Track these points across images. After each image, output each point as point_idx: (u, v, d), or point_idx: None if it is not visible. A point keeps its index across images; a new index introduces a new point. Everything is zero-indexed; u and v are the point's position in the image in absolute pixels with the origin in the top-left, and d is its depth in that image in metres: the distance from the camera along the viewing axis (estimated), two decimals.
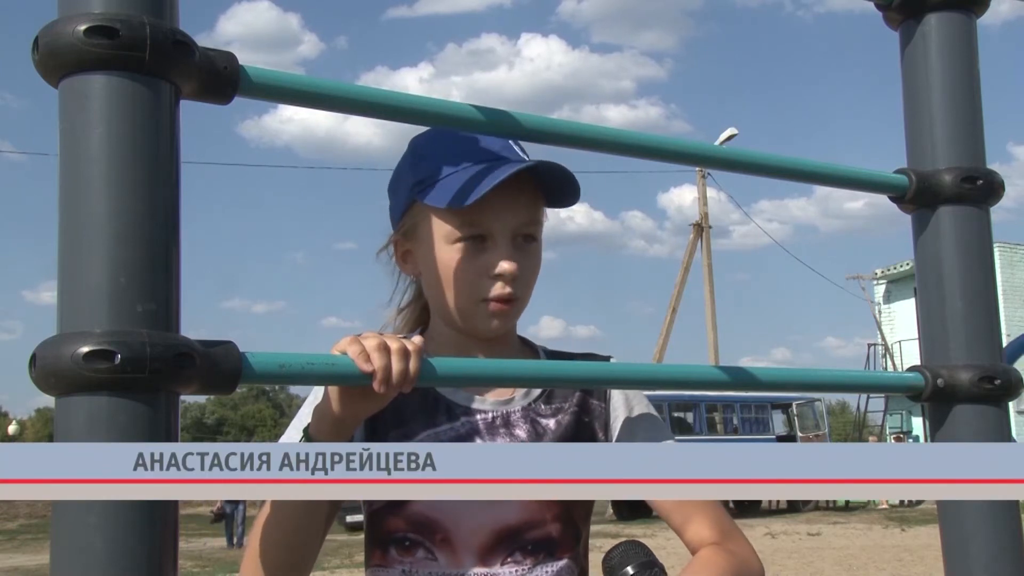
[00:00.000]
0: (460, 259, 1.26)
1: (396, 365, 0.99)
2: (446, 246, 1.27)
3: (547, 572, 1.26)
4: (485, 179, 1.21)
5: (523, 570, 1.25)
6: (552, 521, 1.27)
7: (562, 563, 1.28)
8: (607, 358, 1.37)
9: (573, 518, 1.30)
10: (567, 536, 1.29)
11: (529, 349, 1.39)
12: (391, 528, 1.25)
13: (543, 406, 1.32)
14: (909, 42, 1.22)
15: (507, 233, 1.26)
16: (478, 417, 1.29)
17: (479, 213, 1.24)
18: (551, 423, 1.31)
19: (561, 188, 1.26)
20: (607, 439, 1.34)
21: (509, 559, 1.25)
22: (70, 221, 0.73)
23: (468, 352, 1.31)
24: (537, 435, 1.30)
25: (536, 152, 1.29)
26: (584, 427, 1.33)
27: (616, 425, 1.34)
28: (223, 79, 0.80)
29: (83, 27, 0.72)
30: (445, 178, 1.25)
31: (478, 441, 1.27)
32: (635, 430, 1.34)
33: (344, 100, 0.91)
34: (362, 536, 1.34)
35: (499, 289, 1.25)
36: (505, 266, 1.25)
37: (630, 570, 1.11)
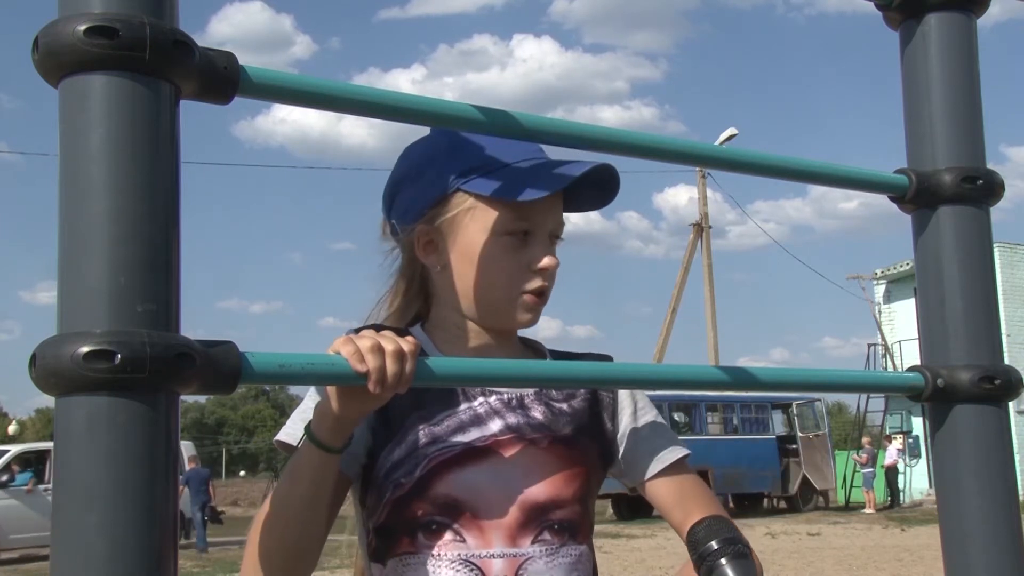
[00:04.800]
0: (504, 252, 1.27)
1: (391, 367, 0.99)
2: (491, 238, 1.27)
3: (571, 554, 1.27)
4: (552, 174, 1.25)
5: (551, 549, 1.26)
6: (572, 502, 1.28)
7: (582, 548, 1.29)
8: (608, 356, 1.38)
9: (588, 505, 1.31)
10: (585, 521, 1.30)
11: (530, 348, 1.40)
12: (417, 513, 1.25)
13: (554, 392, 1.33)
14: (909, 42, 1.22)
15: (547, 231, 1.29)
16: (494, 397, 1.30)
17: (531, 209, 1.26)
18: (564, 406, 1.32)
19: (595, 197, 1.31)
20: (614, 428, 1.35)
21: (539, 538, 1.25)
22: (70, 221, 0.73)
23: (479, 343, 1.32)
24: (553, 416, 1.31)
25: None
26: (595, 414, 1.34)
27: (622, 418, 1.36)
28: (223, 79, 0.80)
29: (83, 27, 0.72)
30: (500, 168, 1.27)
31: (497, 420, 1.28)
32: (640, 431, 1.35)
33: (344, 100, 0.91)
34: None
35: (538, 283, 1.28)
36: (547, 261, 1.28)
37: (714, 544, 1.11)
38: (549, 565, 1.25)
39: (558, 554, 1.26)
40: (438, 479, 1.24)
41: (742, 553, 1.10)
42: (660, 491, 1.33)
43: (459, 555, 1.23)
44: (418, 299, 1.39)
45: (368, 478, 1.29)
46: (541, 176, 1.25)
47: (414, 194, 1.32)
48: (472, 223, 1.28)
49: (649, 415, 1.37)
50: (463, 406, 1.28)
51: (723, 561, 1.09)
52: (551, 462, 1.28)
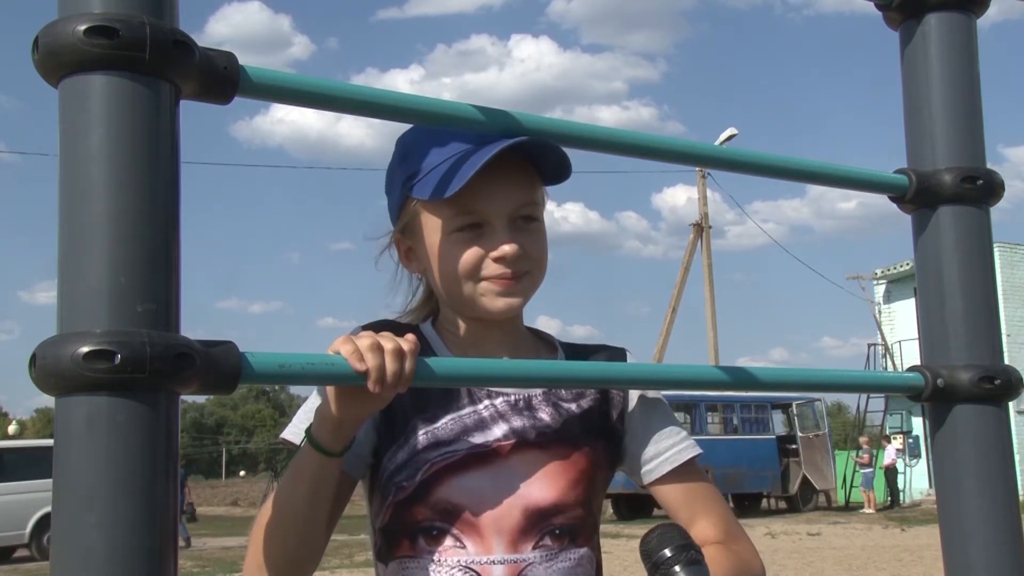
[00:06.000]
0: (458, 248, 1.24)
1: (390, 365, 0.98)
2: (443, 237, 1.25)
3: (571, 558, 1.27)
4: (466, 165, 1.19)
5: (551, 554, 1.25)
6: (575, 506, 1.27)
7: (583, 551, 1.28)
8: (622, 349, 1.37)
9: (592, 507, 1.30)
10: (588, 524, 1.29)
11: (543, 342, 1.38)
12: (418, 517, 1.24)
13: (563, 391, 1.32)
14: (909, 42, 1.22)
15: (504, 217, 1.24)
16: (500, 399, 1.28)
17: (472, 200, 1.22)
18: (573, 406, 1.31)
19: (552, 163, 1.23)
20: (623, 427, 1.34)
21: (540, 544, 1.25)
22: (70, 221, 0.73)
23: (480, 338, 1.31)
24: (560, 417, 1.30)
25: None
26: (604, 413, 1.33)
27: (632, 417, 1.34)
28: (223, 79, 0.80)
29: (83, 27, 0.72)
30: (432, 170, 1.23)
31: (501, 424, 1.27)
32: (650, 430, 1.34)
33: (344, 100, 0.91)
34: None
35: (499, 270, 1.24)
36: (506, 248, 1.23)
37: (667, 552, 1.11)
38: (549, 570, 1.24)
39: (558, 559, 1.25)
40: (439, 484, 1.24)
41: (695, 560, 1.11)
42: (667, 492, 1.32)
43: (459, 561, 1.23)
44: (430, 300, 1.39)
45: (373, 479, 1.29)
46: (462, 167, 1.20)
47: (389, 204, 1.34)
48: (425, 226, 1.27)
49: (660, 414, 1.35)
50: (467, 409, 1.27)
51: (677, 568, 1.10)
52: (555, 466, 1.27)
